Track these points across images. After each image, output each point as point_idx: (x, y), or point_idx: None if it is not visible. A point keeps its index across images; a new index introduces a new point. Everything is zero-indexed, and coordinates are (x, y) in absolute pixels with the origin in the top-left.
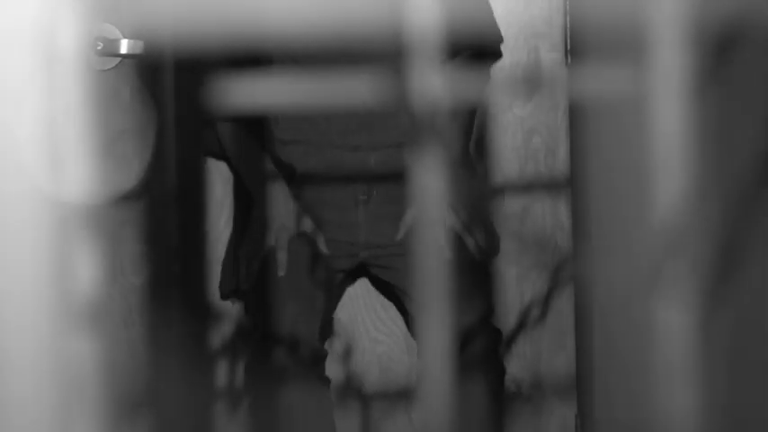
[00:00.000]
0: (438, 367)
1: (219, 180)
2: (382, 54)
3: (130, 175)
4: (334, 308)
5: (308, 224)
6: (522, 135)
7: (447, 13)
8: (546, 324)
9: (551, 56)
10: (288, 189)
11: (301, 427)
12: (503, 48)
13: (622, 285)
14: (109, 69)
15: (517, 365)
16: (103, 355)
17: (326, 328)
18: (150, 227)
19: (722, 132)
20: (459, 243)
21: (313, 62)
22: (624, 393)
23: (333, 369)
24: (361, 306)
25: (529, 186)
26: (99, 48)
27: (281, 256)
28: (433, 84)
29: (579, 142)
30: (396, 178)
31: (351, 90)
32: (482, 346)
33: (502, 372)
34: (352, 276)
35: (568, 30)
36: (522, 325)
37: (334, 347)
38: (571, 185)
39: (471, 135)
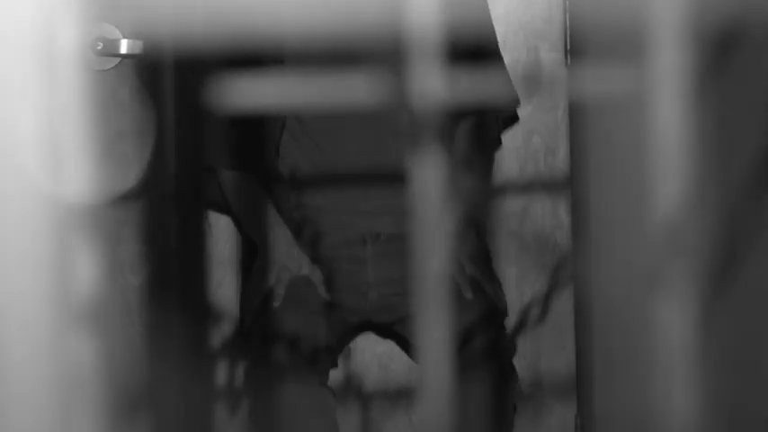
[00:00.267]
0: (438, 367)
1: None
2: (382, 54)
3: (130, 175)
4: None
5: (314, 272)
6: (521, 135)
7: (447, 14)
8: (546, 324)
9: (551, 55)
10: (293, 237)
11: (303, 429)
12: (502, 48)
13: (622, 285)
14: (108, 69)
15: (517, 365)
16: (103, 355)
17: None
18: (150, 227)
19: (722, 132)
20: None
21: (313, 62)
22: (624, 393)
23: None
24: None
25: (528, 186)
26: (99, 48)
27: (280, 292)
28: (433, 84)
29: (579, 142)
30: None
31: (351, 90)
32: (489, 348)
33: (513, 377)
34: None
35: (568, 29)
36: (521, 325)
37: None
38: (571, 185)
39: (471, 136)
